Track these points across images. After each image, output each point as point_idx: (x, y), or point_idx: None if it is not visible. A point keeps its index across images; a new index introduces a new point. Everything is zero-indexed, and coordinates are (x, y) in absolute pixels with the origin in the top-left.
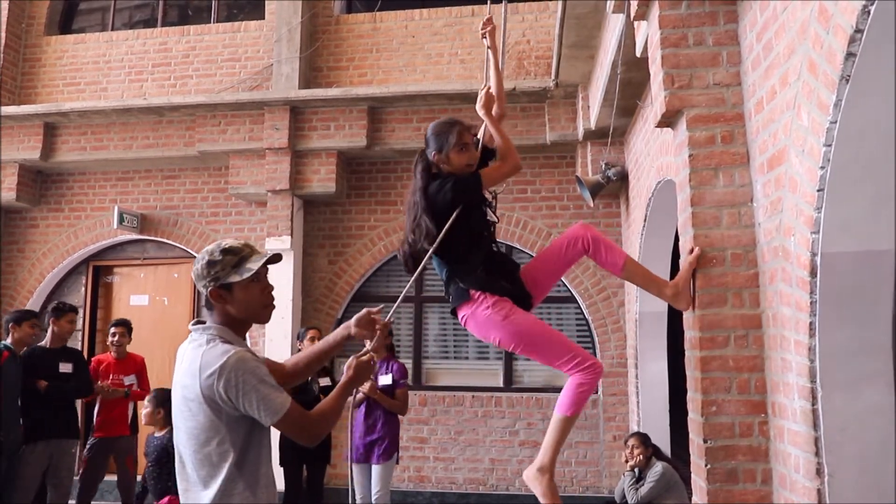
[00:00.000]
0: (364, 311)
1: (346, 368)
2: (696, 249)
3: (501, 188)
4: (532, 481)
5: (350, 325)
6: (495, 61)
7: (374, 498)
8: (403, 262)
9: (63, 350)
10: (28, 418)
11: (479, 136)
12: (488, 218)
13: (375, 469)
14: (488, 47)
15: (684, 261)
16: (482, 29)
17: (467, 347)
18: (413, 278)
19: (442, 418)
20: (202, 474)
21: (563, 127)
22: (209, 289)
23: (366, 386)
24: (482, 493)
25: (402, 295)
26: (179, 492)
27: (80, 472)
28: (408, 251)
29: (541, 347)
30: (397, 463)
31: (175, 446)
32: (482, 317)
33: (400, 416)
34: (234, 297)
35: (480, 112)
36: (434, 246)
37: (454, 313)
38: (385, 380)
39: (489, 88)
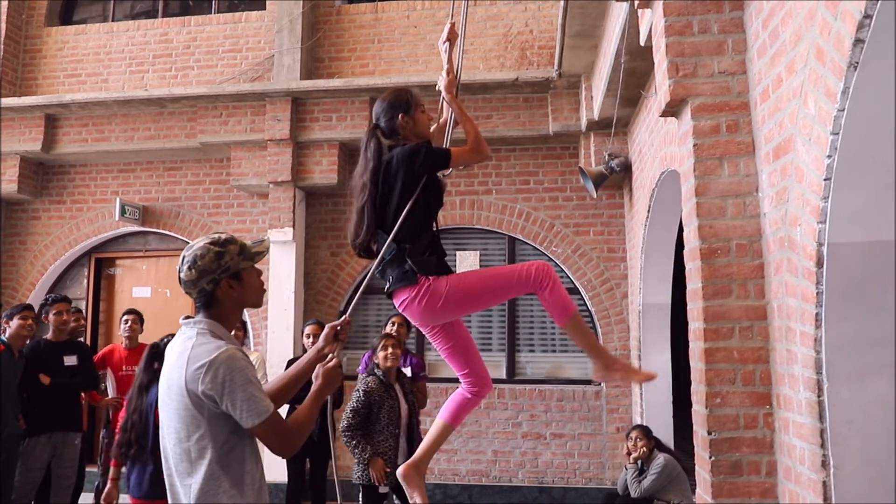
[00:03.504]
0: (327, 326)
1: (314, 378)
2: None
3: (452, 173)
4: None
5: (318, 346)
6: (451, 58)
7: None
8: (356, 250)
9: (68, 343)
10: (32, 411)
11: (446, 115)
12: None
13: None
14: (445, 52)
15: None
16: (448, 35)
17: None
18: (374, 266)
19: None
20: (180, 469)
21: (566, 118)
22: (221, 281)
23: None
24: (485, 484)
25: (362, 286)
26: (167, 487)
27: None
28: (358, 241)
29: (492, 285)
30: None
31: (160, 440)
32: (429, 302)
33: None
34: (243, 285)
35: (443, 93)
36: (398, 225)
37: (391, 296)
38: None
39: (452, 69)
